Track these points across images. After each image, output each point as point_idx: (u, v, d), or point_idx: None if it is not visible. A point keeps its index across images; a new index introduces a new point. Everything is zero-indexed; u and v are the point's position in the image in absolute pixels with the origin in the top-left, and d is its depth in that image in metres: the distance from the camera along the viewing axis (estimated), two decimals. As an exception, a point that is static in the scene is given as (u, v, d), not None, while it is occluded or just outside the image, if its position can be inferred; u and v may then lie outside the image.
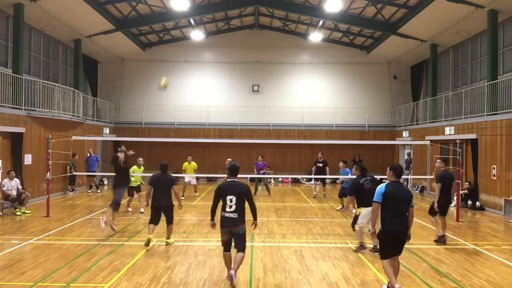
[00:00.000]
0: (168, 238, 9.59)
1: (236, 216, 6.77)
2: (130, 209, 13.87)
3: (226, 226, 6.82)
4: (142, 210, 13.52)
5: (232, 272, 6.84)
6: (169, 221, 9.45)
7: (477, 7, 15.96)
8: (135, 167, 13.77)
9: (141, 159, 14.21)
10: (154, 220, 9.32)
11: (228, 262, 6.97)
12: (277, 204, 16.25)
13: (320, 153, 18.79)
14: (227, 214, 6.77)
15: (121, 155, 10.54)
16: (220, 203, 6.88)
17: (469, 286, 7.01)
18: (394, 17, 20.38)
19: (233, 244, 6.94)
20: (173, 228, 9.76)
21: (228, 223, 6.79)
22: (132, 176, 13.34)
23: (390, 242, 6.41)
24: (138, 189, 13.91)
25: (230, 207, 6.75)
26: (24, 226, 11.38)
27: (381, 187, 6.51)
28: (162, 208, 9.34)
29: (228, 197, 6.75)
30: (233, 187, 6.83)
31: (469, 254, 9.07)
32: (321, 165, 18.21)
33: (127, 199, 14.14)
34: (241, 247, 6.89)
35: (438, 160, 10.45)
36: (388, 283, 6.60)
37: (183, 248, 9.25)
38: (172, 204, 9.45)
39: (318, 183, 18.52)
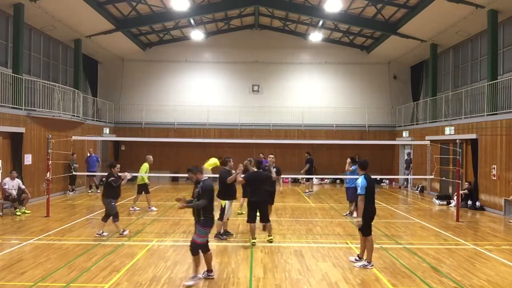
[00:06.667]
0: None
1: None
2: (154, 208, 14.15)
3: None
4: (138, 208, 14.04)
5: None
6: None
7: (477, 7, 15.96)
8: (146, 164, 14.04)
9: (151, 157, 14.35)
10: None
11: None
12: (277, 204, 16.18)
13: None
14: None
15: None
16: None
17: (469, 286, 7.01)
18: (394, 17, 20.37)
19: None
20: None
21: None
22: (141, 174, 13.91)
23: (371, 221, 7.98)
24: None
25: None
26: (24, 226, 11.38)
27: (362, 181, 7.78)
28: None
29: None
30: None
31: (469, 254, 9.06)
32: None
33: (134, 197, 14.38)
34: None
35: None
36: (358, 255, 8.21)
37: (183, 248, 9.21)
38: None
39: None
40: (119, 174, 10.52)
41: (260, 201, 9.65)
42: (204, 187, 7.04)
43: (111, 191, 10.24)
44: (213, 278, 7.21)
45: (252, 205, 9.66)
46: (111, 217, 10.22)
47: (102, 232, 10.23)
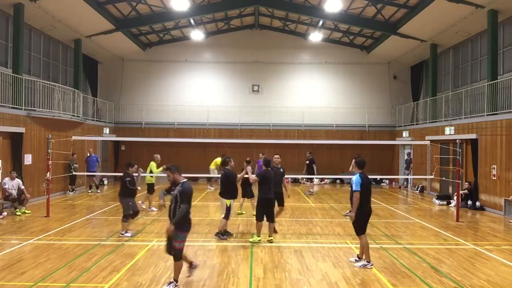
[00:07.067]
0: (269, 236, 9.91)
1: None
2: (154, 208, 14.08)
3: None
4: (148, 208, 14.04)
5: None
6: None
7: (477, 7, 15.96)
8: (154, 163, 14.00)
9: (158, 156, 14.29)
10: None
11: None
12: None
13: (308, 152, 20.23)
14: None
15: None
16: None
17: (469, 286, 7.01)
18: (394, 17, 20.37)
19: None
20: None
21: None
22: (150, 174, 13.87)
23: (367, 219, 7.97)
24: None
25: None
26: (24, 226, 11.38)
27: (357, 179, 7.76)
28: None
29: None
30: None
31: (469, 254, 9.07)
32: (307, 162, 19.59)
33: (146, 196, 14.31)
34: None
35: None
36: (358, 255, 8.25)
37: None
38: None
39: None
40: (134, 174, 10.52)
41: (272, 199, 9.77)
42: (183, 190, 6.62)
43: (128, 190, 10.24)
44: (197, 266, 7.23)
45: (263, 203, 9.65)
46: (124, 216, 10.21)
47: (136, 232, 10.29)
